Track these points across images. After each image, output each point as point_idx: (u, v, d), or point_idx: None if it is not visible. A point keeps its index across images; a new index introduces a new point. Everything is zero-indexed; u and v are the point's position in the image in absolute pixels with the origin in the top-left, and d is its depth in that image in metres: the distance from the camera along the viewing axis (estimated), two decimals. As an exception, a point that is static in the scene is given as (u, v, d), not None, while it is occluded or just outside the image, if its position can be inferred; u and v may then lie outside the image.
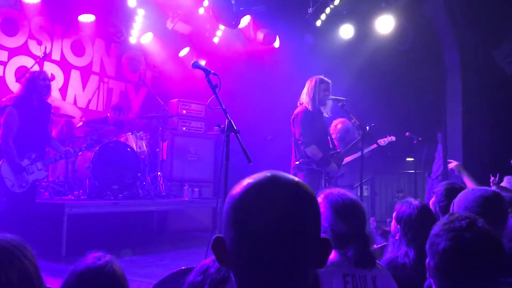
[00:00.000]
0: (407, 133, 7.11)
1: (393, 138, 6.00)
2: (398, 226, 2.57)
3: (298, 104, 5.39)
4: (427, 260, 1.57)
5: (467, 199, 2.30)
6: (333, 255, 2.03)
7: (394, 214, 2.66)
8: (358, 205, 2.10)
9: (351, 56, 8.68)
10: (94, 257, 1.73)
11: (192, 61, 3.70)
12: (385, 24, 8.26)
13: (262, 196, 0.94)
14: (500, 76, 7.47)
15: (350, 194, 2.13)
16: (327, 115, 5.43)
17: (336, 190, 2.16)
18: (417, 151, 7.93)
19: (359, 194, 7.20)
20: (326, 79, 5.32)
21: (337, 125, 6.43)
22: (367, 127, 5.32)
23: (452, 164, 4.59)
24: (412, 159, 9.36)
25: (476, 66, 7.56)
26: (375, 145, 5.78)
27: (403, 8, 8.10)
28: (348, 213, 2.05)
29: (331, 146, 5.48)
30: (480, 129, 7.47)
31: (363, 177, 9.45)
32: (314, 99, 5.24)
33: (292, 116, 5.36)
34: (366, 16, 8.45)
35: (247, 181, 0.99)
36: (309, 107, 5.24)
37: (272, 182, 0.97)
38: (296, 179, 1.00)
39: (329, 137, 5.54)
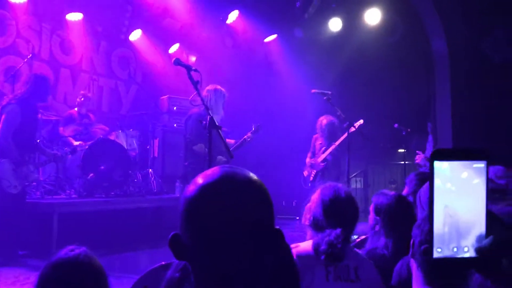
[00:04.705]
0: (396, 125, 7.12)
1: (361, 121, 6.06)
2: (378, 218, 2.57)
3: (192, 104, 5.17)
4: (411, 241, 1.63)
5: None
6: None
7: (371, 207, 2.65)
8: (349, 202, 2.17)
9: (340, 49, 8.70)
10: (67, 249, 1.73)
11: (174, 59, 3.70)
12: (373, 16, 8.29)
13: (216, 197, 0.96)
14: (488, 64, 7.48)
15: (345, 190, 2.20)
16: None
17: (332, 185, 2.22)
18: (407, 142, 7.96)
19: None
20: (226, 93, 5.38)
21: (322, 121, 6.46)
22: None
23: (420, 157, 4.31)
24: (404, 150, 9.40)
25: (464, 55, 7.58)
26: (346, 135, 5.90)
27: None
28: (336, 209, 2.12)
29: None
30: (469, 118, 7.49)
31: (355, 169, 9.52)
32: (211, 107, 5.11)
33: (186, 117, 5.46)
34: (355, 9, 8.47)
35: (200, 179, 0.99)
36: (203, 111, 5.13)
37: (225, 181, 0.97)
38: (250, 174, 1.01)
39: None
